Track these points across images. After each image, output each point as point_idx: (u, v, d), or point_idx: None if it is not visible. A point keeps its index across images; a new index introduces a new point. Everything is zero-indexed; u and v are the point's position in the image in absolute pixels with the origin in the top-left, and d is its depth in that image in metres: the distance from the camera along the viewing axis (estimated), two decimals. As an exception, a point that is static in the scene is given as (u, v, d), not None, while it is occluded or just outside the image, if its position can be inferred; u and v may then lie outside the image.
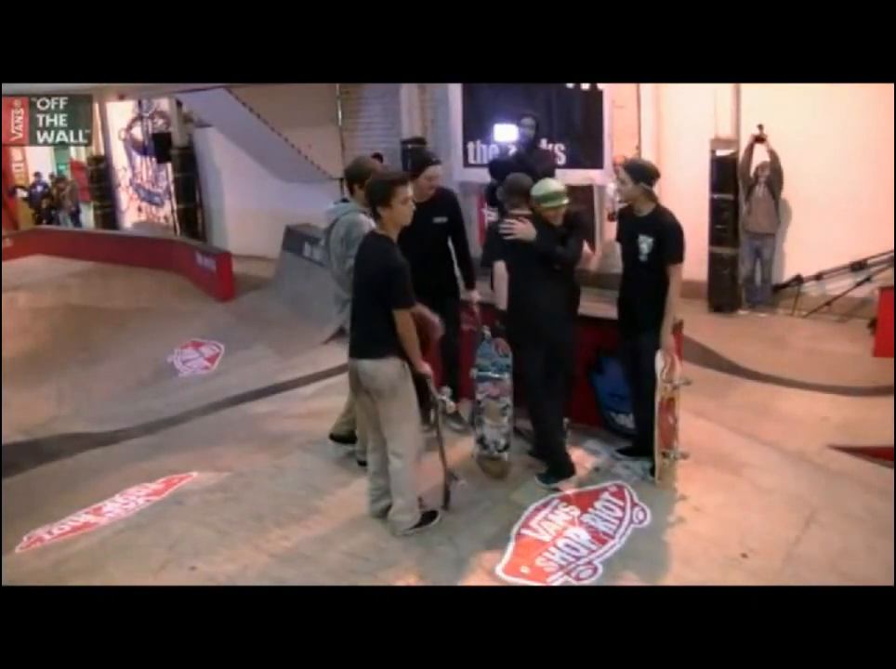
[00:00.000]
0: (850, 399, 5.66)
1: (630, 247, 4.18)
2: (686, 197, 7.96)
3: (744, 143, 7.77)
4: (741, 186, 7.83)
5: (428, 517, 3.83)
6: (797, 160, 7.49)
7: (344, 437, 4.61)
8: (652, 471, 4.20)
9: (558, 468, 4.23)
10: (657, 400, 4.03)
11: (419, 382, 3.67)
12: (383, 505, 3.84)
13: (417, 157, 4.42)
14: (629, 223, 4.23)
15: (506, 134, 7.17)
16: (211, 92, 9.85)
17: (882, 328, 6.50)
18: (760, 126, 7.58)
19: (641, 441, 4.32)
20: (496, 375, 4.26)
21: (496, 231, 4.24)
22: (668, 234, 4.05)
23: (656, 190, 4.17)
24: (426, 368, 3.65)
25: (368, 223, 3.93)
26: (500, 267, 4.12)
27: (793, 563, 3.51)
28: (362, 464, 4.26)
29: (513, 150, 4.94)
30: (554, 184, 4.30)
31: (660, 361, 4.05)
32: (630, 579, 3.43)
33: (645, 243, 4.08)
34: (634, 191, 4.11)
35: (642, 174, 4.11)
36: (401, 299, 3.52)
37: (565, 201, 4.21)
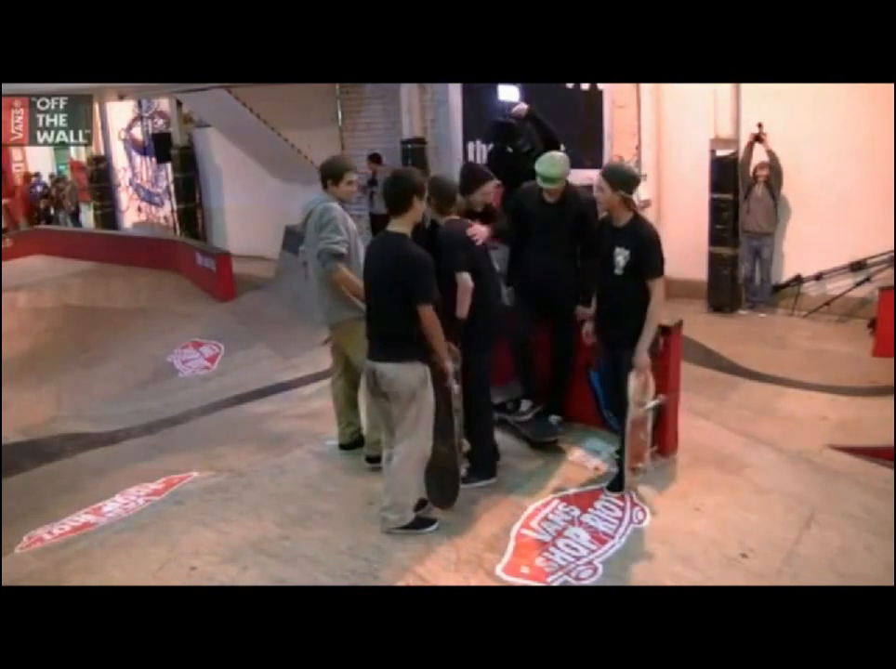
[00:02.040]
0: (850, 399, 5.66)
1: (606, 259, 3.93)
2: (686, 197, 8.01)
3: (743, 143, 7.78)
4: (740, 186, 7.84)
5: (423, 522, 3.78)
6: (797, 159, 7.51)
7: (355, 442, 4.59)
8: (615, 484, 4.10)
9: (484, 468, 4.19)
10: (629, 419, 3.89)
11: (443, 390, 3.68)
12: None
13: (473, 174, 4.34)
14: (607, 234, 3.98)
15: (509, 93, 6.89)
16: (211, 92, 9.86)
17: (882, 328, 6.52)
18: (760, 125, 7.58)
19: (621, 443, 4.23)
20: None
21: (460, 239, 3.94)
22: (646, 247, 3.81)
23: (644, 195, 4.10)
24: (447, 364, 3.63)
25: (339, 210, 4.15)
26: (467, 278, 3.87)
27: (792, 563, 3.51)
28: (369, 460, 4.27)
29: (522, 105, 4.92)
30: (555, 163, 4.25)
31: (632, 382, 3.82)
32: (630, 579, 3.43)
33: (621, 256, 3.83)
34: (612, 199, 3.84)
35: (622, 181, 3.84)
36: (425, 295, 3.48)
37: (556, 185, 4.26)
